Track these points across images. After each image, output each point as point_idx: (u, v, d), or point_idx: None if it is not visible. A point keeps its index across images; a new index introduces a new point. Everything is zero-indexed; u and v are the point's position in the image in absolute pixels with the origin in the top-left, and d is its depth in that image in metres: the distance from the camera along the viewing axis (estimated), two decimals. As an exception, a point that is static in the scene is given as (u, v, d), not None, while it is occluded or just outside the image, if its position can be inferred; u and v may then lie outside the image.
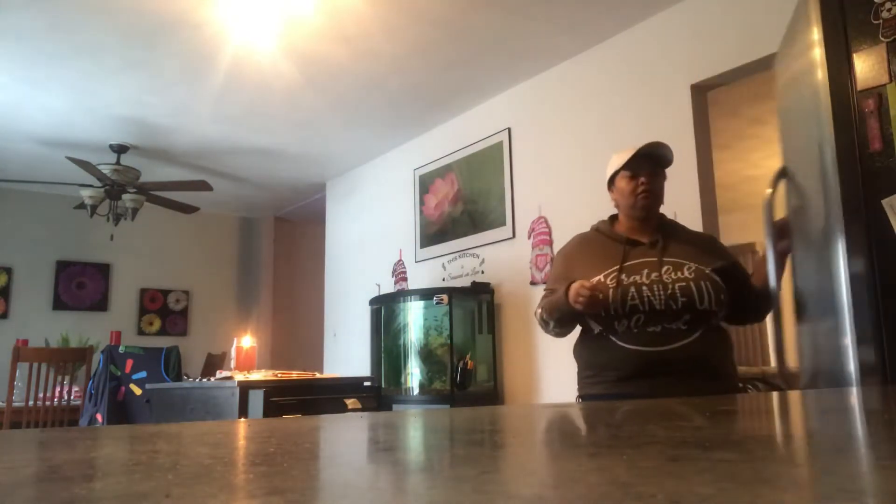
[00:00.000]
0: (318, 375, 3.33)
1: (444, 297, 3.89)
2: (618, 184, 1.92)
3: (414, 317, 4.20)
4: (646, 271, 1.78)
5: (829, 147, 1.44)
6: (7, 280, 5.80)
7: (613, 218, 1.99)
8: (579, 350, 1.91)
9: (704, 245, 1.92)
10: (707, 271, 1.77)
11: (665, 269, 1.77)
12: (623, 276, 1.78)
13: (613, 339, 1.78)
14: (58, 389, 4.02)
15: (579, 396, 1.88)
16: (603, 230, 1.95)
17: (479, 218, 4.24)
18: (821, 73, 1.48)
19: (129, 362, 4.00)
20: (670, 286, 1.74)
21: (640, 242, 1.86)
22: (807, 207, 1.64)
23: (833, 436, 0.51)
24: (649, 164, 1.89)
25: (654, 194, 1.88)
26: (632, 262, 1.81)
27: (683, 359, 1.71)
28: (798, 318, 1.72)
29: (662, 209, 1.98)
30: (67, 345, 4.83)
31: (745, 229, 7.10)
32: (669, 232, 1.90)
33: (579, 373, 1.90)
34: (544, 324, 1.91)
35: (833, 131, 1.44)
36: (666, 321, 1.73)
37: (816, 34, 1.50)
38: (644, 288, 1.75)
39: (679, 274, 1.76)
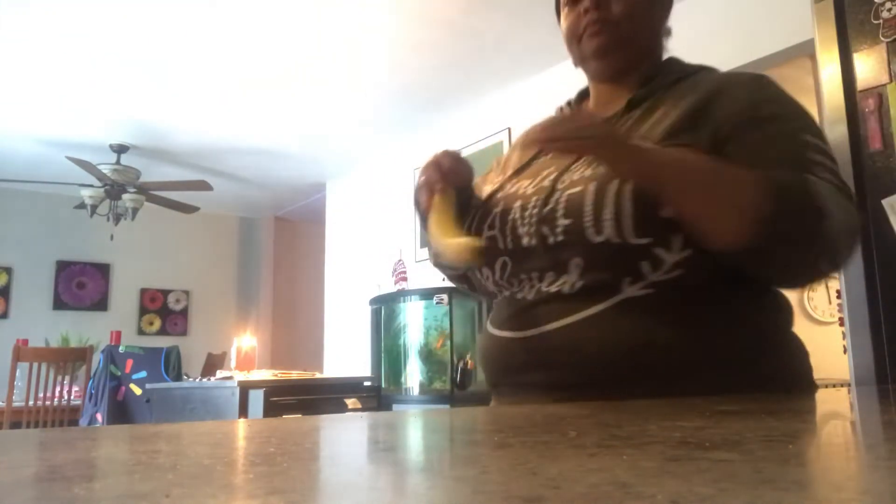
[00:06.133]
0: (318, 375, 3.33)
1: (444, 297, 3.89)
2: (561, 25, 1.03)
3: (414, 317, 4.20)
4: (552, 169, 0.91)
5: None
6: (7, 280, 5.80)
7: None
8: None
9: (713, 97, 0.86)
10: None
11: (593, 161, 0.85)
12: (510, 183, 0.97)
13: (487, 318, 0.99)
14: (58, 389, 4.02)
15: None
16: (567, 106, 1.09)
17: (479, 218, 4.24)
18: (821, 73, 1.48)
19: (129, 362, 4.00)
20: (556, 196, 0.85)
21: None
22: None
23: (832, 435, 0.51)
24: None
25: (609, 24, 0.94)
26: (548, 157, 0.95)
27: (560, 358, 0.82)
28: None
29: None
30: (67, 345, 4.83)
31: (745, 229, 7.10)
32: (667, 86, 0.93)
33: None
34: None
35: (833, 131, 1.44)
36: (538, 273, 0.85)
37: (816, 34, 1.50)
38: (517, 204, 0.90)
39: (592, 170, 0.84)
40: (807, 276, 0.82)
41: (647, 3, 0.97)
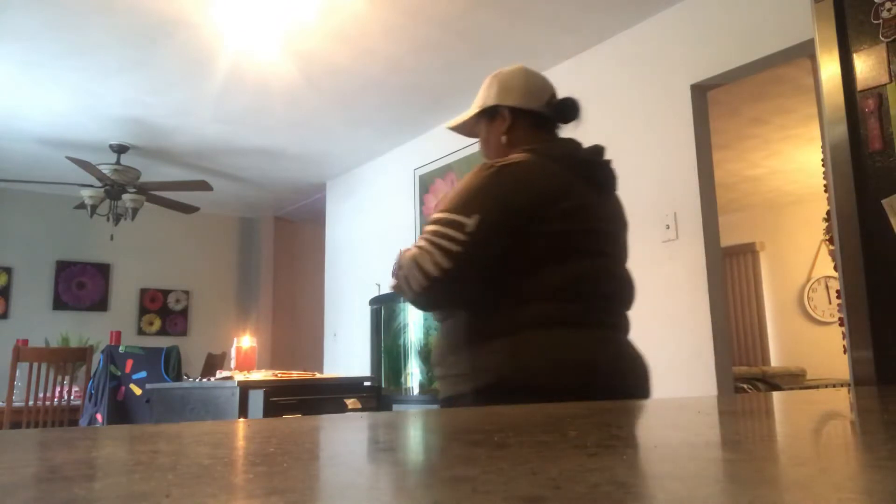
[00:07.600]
0: (318, 375, 3.33)
1: (444, 297, 3.88)
2: None
3: (414, 317, 4.20)
4: None
5: (829, 146, 1.44)
6: (7, 280, 5.80)
7: None
8: None
9: None
10: None
11: None
12: None
13: None
14: (58, 389, 4.02)
15: None
16: None
17: (479, 218, 4.24)
18: (821, 73, 1.48)
19: (129, 362, 4.00)
20: None
21: None
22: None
23: (832, 435, 0.51)
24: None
25: (485, 155, 1.66)
26: None
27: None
28: None
29: None
30: (67, 345, 4.83)
31: (745, 229, 7.08)
32: None
33: None
34: None
35: (833, 131, 1.44)
36: None
37: (816, 34, 1.50)
38: None
39: None
40: (419, 301, 1.38)
41: (484, 142, 1.60)
